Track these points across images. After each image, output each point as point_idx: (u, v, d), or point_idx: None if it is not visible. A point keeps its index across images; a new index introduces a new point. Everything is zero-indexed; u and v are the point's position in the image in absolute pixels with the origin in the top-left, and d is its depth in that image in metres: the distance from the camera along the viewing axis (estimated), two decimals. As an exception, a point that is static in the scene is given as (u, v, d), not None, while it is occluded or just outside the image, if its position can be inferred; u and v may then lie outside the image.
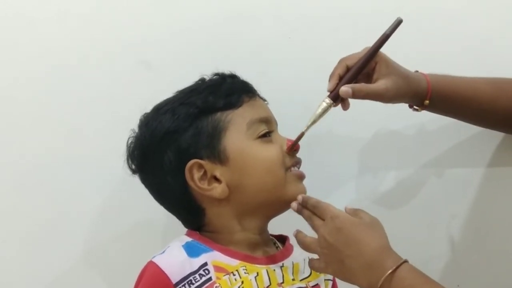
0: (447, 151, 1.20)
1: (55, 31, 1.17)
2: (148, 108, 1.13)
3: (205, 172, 0.92)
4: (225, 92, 0.95)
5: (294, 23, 1.20)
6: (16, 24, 1.16)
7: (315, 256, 0.91)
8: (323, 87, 1.21)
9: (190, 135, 0.92)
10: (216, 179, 0.92)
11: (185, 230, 0.98)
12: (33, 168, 1.16)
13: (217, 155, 0.92)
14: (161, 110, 0.96)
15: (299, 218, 0.94)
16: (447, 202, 1.21)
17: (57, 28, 1.17)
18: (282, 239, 1.02)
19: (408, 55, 1.20)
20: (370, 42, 1.21)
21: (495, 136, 1.19)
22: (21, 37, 1.16)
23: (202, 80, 0.99)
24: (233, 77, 0.99)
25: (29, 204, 1.16)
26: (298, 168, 0.98)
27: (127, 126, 1.15)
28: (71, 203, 1.17)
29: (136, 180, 1.14)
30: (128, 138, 0.98)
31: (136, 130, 0.98)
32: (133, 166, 0.98)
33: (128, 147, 0.98)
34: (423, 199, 1.20)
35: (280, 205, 0.95)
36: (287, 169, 0.95)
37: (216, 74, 0.99)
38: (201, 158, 0.92)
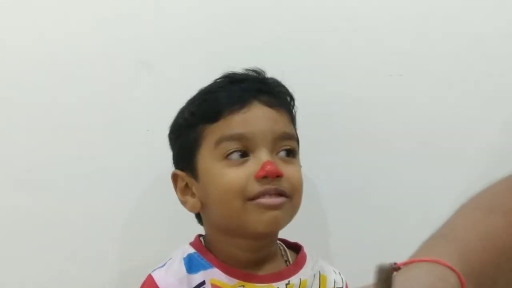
0: (452, 153, 1.20)
1: (55, 30, 1.17)
2: (148, 109, 1.14)
3: (187, 184, 0.91)
4: (212, 103, 0.89)
5: (294, 23, 1.20)
6: (16, 24, 1.16)
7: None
8: (323, 87, 1.22)
9: (179, 144, 0.92)
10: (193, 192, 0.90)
11: (190, 236, 0.95)
12: (32, 169, 1.15)
13: (192, 170, 0.89)
14: (183, 106, 0.95)
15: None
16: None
17: (57, 27, 1.17)
18: (297, 248, 0.94)
19: (407, 54, 1.21)
20: (370, 42, 1.21)
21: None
22: (21, 37, 1.16)
23: (224, 77, 0.94)
24: (236, 82, 0.92)
25: (29, 205, 1.16)
26: (270, 196, 0.84)
27: (127, 126, 1.16)
28: (70, 204, 1.16)
29: (136, 180, 1.15)
30: None
31: None
32: None
33: None
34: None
35: (248, 235, 0.86)
36: (249, 199, 0.84)
37: (225, 77, 0.94)
38: (182, 170, 0.91)
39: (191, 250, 0.90)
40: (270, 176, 0.83)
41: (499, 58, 1.20)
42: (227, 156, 0.85)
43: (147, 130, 1.15)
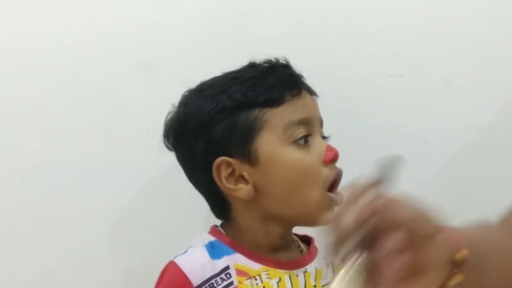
0: (451, 152, 1.20)
1: (55, 30, 1.17)
2: (148, 109, 1.14)
3: (233, 170, 0.87)
4: (267, 87, 0.88)
5: (294, 23, 1.20)
6: (15, 23, 1.16)
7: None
8: (323, 87, 1.21)
9: (224, 129, 0.87)
10: (244, 179, 0.87)
11: (207, 227, 0.96)
12: (32, 169, 1.16)
13: (247, 155, 0.86)
14: (202, 93, 0.90)
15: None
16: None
17: (57, 27, 1.17)
18: (307, 240, 0.97)
19: (407, 54, 1.21)
20: (370, 42, 1.21)
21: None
22: (20, 36, 1.16)
23: (251, 66, 0.93)
24: (282, 67, 0.93)
25: (29, 205, 1.16)
26: (339, 181, 0.88)
27: (127, 126, 1.16)
28: (70, 204, 1.17)
29: (136, 180, 1.15)
30: (168, 113, 0.94)
31: (176, 105, 0.93)
32: (169, 145, 0.94)
33: (166, 124, 0.94)
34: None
35: (306, 223, 0.89)
36: (328, 188, 0.86)
37: (267, 62, 0.93)
38: (230, 156, 0.86)
39: (211, 238, 0.91)
40: (336, 159, 0.88)
41: (498, 58, 1.20)
42: (296, 141, 0.86)
43: (147, 130, 1.15)
